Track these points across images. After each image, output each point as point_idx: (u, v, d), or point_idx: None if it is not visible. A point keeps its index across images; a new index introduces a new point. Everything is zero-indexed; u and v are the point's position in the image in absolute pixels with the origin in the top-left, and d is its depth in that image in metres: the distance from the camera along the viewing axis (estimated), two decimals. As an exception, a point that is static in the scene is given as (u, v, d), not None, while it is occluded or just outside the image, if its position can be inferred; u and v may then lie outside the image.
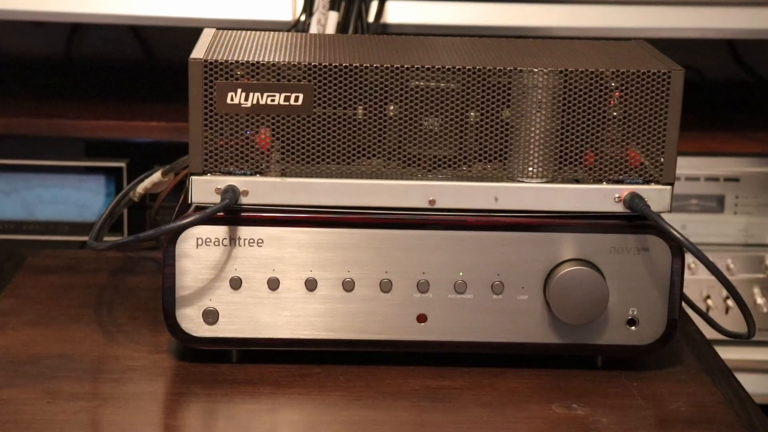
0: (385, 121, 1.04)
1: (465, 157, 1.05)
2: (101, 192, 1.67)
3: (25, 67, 1.96)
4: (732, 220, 1.67)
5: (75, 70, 1.95)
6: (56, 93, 1.80)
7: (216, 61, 1.02)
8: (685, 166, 1.64)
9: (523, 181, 1.05)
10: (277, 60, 1.03)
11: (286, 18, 1.57)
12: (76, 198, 1.67)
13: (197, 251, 1.04)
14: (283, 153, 1.04)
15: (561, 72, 1.04)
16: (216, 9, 1.58)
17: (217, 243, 1.04)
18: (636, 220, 1.05)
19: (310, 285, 1.05)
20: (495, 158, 1.05)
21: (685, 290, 1.09)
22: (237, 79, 1.03)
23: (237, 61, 1.03)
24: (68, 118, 1.65)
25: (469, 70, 1.04)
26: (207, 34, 1.12)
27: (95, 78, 1.92)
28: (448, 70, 1.04)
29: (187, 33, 1.38)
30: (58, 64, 1.97)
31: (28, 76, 1.92)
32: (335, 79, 1.03)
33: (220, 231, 1.04)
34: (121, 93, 1.82)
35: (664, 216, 1.05)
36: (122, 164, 1.66)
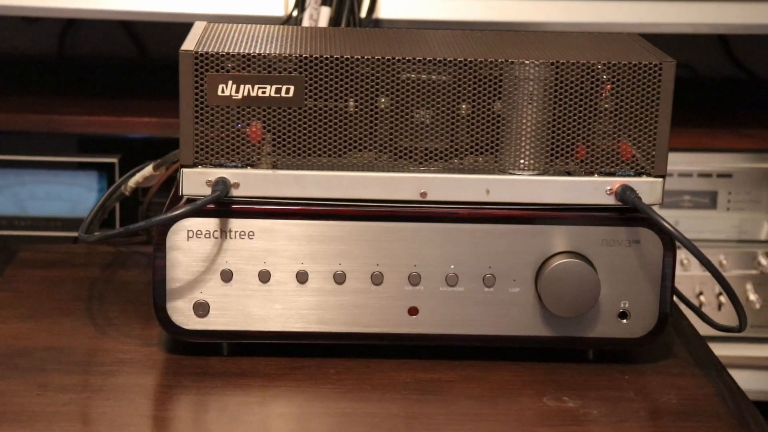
0: (376, 113, 1.04)
1: (456, 150, 1.05)
2: (93, 188, 1.67)
3: (17, 63, 1.96)
4: (725, 216, 1.67)
5: (67, 66, 1.95)
6: (49, 89, 1.80)
7: (207, 53, 1.02)
8: (678, 162, 1.64)
9: (514, 174, 1.05)
10: (268, 52, 1.03)
11: (278, 13, 1.57)
12: (69, 194, 1.67)
13: (188, 243, 1.04)
14: (274, 145, 1.04)
15: (552, 64, 1.04)
16: (208, 4, 1.58)
17: (208, 235, 1.04)
18: (627, 212, 1.05)
19: (302, 277, 1.05)
20: (486, 151, 1.05)
21: (678, 286, 1.09)
22: (228, 71, 1.03)
23: (228, 53, 1.02)
24: (60, 114, 1.65)
25: (460, 62, 1.03)
26: (198, 27, 1.12)
27: (88, 74, 1.92)
28: (440, 62, 1.04)
29: (179, 29, 1.38)
30: (50, 60, 1.97)
31: (20, 72, 1.92)
32: (326, 71, 1.03)
33: (211, 223, 1.04)
34: (114, 89, 1.82)
35: (656, 209, 1.05)
36: (114, 160, 1.65)
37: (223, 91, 1.03)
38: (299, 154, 1.04)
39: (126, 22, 1.95)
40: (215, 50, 1.02)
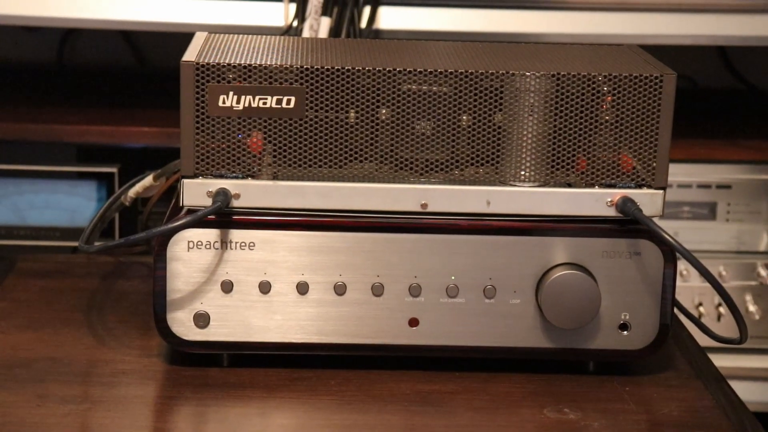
0: (377, 124, 1.04)
1: (457, 161, 1.05)
2: (93, 197, 1.67)
3: (17, 73, 1.96)
4: (724, 228, 1.67)
5: (67, 76, 1.95)
6: (48, 98, 1.80)
7: (208, 63, 1.02)
8: (678, 173, 1.64)
9: (515, 185, 1.05)
10: (269, 63, 1.03)
11: (278, 24, 1.57)
12: (68, 203, 1.67)
13: (188, 254, 1.04)
14: (274, 156, 1.04)
15: (553, 76, 1.04)
16: (208, 14, 1.58)
17: (208, 246, 1.04)
18: (628, 224, 1.05)
19: (302, 288, 1.05)
20: (487, 162, 1.05)
21: (678, 297, 1.09)
22: (229, 81, 1.03)
23: (229, 64, 1.02)
24: (60, 123, 1.65)
25: (461, 73, 1.03)
26: (199, 38, 1.12)
27: (87, 83, 1.92)
28: (441, 73, 1.04)
29: (179, 38, 1.38)
30: (50, 70, 1.97)
31: (20, 82, 1.92)
32: (327, 82, 1.03)
33: (211, 234, 1.04)
34: (113, 98, 1.82)
35: (656, 221, 1.05)
36: (114, 169, 1.65)
37: (224, 102, 1.03)
38: (300, 165, 1.04)
39: (126, 32, 1.95)
40: (216, 61, 1.02)
